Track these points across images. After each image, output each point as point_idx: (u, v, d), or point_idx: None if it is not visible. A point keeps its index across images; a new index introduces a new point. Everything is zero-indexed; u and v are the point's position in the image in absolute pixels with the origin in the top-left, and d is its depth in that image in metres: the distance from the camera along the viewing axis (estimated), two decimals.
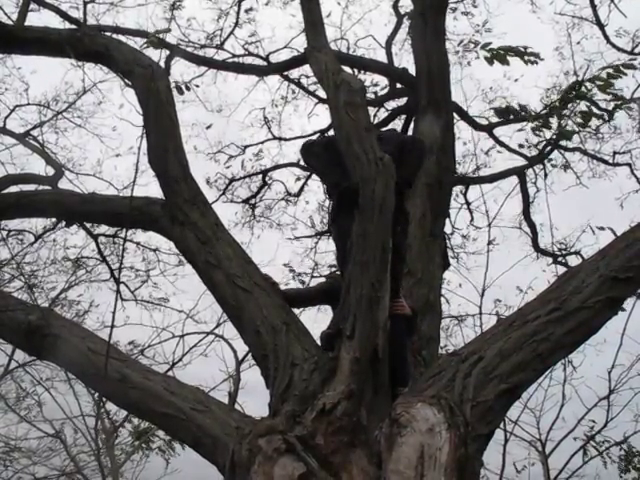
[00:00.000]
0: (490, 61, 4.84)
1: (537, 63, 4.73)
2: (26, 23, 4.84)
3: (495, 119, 7.26)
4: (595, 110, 5.92)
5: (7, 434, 10.00)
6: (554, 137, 6.23)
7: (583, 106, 5.80)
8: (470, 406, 2.67)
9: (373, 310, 2.88)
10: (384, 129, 3.94)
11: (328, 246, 8.73)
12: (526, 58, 4.71)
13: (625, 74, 4.78)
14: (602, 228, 5.55)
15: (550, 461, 7.26)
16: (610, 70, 4.81)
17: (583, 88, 5.38)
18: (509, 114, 6.49)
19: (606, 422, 6.58)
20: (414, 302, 4.28)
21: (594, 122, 6.70)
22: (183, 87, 5.34)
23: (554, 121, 5.74)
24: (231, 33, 8.37)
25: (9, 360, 8.95)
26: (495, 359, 2.88)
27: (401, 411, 2.54)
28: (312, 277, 7.92)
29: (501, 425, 5.55)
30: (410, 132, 6.55)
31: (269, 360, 3.09)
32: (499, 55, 4.49)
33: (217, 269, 3.45)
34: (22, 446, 10.02)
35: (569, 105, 5.63)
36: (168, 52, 7.22)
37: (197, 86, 7.67)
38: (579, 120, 5.55)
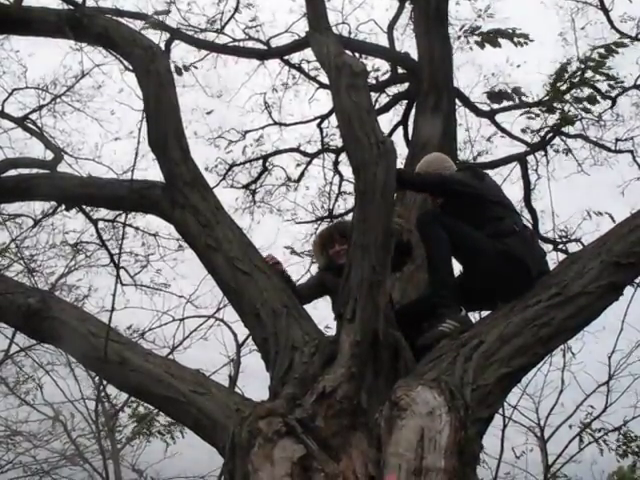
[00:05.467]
0: (481, 45, 4.82)
1: (526, 44, 4.69)
2: (24, 3, 4.77)
3: (497, 104, 7.21)
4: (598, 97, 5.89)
5: (8, 417, 10.05)
6: (557, 122, 6.19)
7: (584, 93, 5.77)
8: (470, 390, 2.67)
9: (374, 293, 2.86)
10: None
11: None
12: (515, 40, 4.68)
13: (617, 52, 4.72)
14: (600, 213, 5.54)
15: (548, 446, 7.31)
16: (602, 50, 4.76)
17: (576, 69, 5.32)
18: (502, 98, 6.44)
19: (605, 407, 6.62)
20: (414, 287, 4.30)
21: (597, 108, 6.67)
22: (182, 68, 5.31)
23: (555, 106, 5.71)
24: (231, 17, 8.29)
25: (9, 344, 8.96)
26: (495, 343, 2.88)
27: (401, 394, 2.53)
28: (312, 262, 7.90)
29: (500, 410, 5.57)
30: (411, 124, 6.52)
31: (269, 343, 3.09)
32: (489, 38, 4.46)
33: (217, 252, 3.44)
34: (23, 430, 10.07)
35: (571, 91, 5.59)
36: (168, 35, 7.16)
37: (196, 67, 7.63)
38: (583, 105, 5.51)
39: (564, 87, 5.58)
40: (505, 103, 6.93)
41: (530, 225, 7.67)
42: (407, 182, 3.53)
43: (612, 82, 5.58)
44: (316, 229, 8.70)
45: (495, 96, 6.90)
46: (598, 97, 6.08)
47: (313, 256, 4.23)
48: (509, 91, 6.62)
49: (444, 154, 4.07)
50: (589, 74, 5.73)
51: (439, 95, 5.79)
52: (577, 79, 5.52)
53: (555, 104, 5.73)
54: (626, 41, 5.16)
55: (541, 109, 5.89)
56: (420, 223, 3.35)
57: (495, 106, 7.45)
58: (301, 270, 7.82)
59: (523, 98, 6.61)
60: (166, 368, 3.14)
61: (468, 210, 3.42)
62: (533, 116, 6.29)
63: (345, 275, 3.01)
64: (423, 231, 3.29)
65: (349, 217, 7.47)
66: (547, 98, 6.08)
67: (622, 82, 5.78)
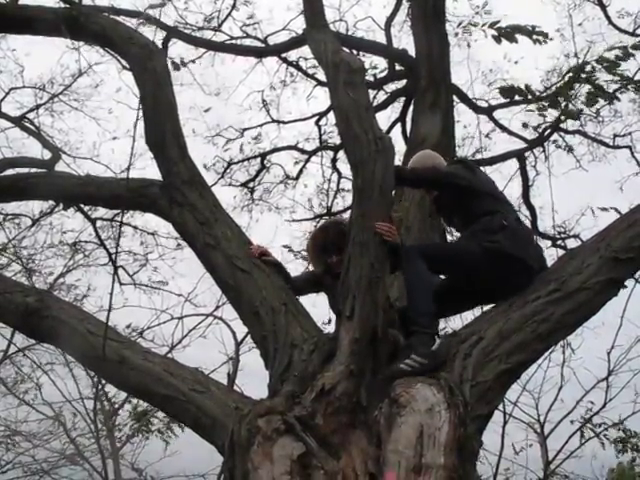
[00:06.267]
0: (498, 39, 4.80)
1: (546, 42, 4.68)
2: (20, 1, 4.77)
3: (495, 101, 7.21)
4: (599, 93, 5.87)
5: (7, 417, 10.05)
6: (560, 117, 6.17)
7: (586, 88, 5.77)
8: (469, 386, 2.67)
9: (373, 291, 2.86)
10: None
11: None
12: (534, 37, 4.67)
13: (633, 55, 4.74)
14: (605, 209, 5.53)
15: (548, 442, 7.32)
16: (618, 51, 4.77)
17: (589, 67, 5.33)
18: (514, 93, 6.41)
19: (605, 403, 6.61)
20: None
21: (597, 104, 6.65)
22: (179, 64, 5.31)
23: (561, 101, 5.69)
24: (228, 15, 8.26)
25: (8, 344, 8.95)
26: (495, 339, 2.89)
27: (400, 391, 2.54)
28: (308, 264, 7.89)
29: (500, 406, 5.58)
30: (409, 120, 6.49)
31: (268, 341, 3.08)
32: (507, 33, 4.45)
33: (216, 250, 3.44)
34: (22, 429, 10.07)
35: (575, 86, 5.58)
36: (165, 33, 7.14)
37: (193, 62, 7.65)
38: (584, 101, 5.50)
39: (567, 83, 5.56)
40: (516, 98, 6.90)
41: (529, 221, 7.68)
42: (405, 179, 3.52)
43: (624, 82, 5.55)
44: (315, 227, 8.68)
45: (507, 91, 6.89)
46: (602, 94, 6.07)
47: (308, 260, 4.17)
48: (520, 87, 6.59)
49: (433, 151, 4.06)
50: (589, 68, 5.72)
51: (437, 92, 5.77)
52: (577, 75, 5.51)
53: (559, 99, 5.71)
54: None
55: (543, 105, 5.87)
56: (404, 258, 3.19)
57: (494, 102, 7.46)
58: (300, 268, 7.80)
59: (531, 95, 6.58)
60: (165, 367, 3.13)
61: (462, 202, 3.40)
62: (540, 112, 6.26)
63: (344, 272, 3.00)
64: (406, 266, 3.16)
65: (345, 215, 7.48)
66: (550, 93, 6.05)
67: (632, 83, 5.77)
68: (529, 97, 6.28)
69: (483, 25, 6.02)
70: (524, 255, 3.17)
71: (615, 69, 4.97)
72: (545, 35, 4.98)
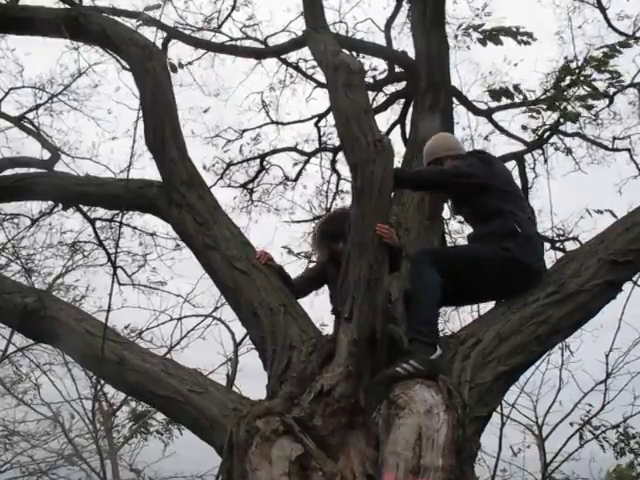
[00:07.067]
0: (483, 42, 4.83)
1: (530, 43, 4.71)
2: (21, 2, 4.77)
3: (495, 103, 7.21)
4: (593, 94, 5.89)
5: (5, 417, 10.04)
6: (559, 119, 6.18)
7: (582, 91, 5.78)
8: (468, 388, 2.68)
9: (371, 292, 2.86)
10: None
11: None
12: (519, 38, 4.70)
13: (621, 52, 4.76)
14: (600, 212, 5.55)
15: (546, 445, 7.32)
16: (606, 50, 4.81)
17: (579, 67, 5.34)
18: (503, 95, 6.42)
19: (603, 405, 6.61)
20: None
21: (594, 107, 6.67)
22: (177, 65, 5.33)
23: (556, 104, 5.70)
24: (228, 16, 8.27)
25: (7, 343, 8.94)
26: (493, 341, 2.89)
27: (399, 393, 2.54)
28: (309, 262, 7.90)
29: (498, 408, 5.58)
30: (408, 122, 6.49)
31: (267, 342, 3.09)
32: (492, 35, 4.48)
33: (215, 251, 3.44)
34: (20, 430, 10.07)
35: (570, 89, 5.59)
36: (165, 34, 7.15)
37: (190, 63, 7.68)
38: (579, 103, 5.52)
39: (565, 84, 5.58)
40: (505, 100, 6.91)
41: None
42: (405, 181, 3.50)
43: (613, 80, 5.57)
44: (314, 228, 8.66)
45: (496, 93, 6.90)
46: (598, 95, 6.08)
47: (313, 249, 4.18)
48: (511, 89, 6.60)
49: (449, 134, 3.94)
50: (587, 71, 5.74)
51: (437, 93, 5.78)
52: (575, 77, 5.52)
53: (556, 102, 5.72)
54: (630, 42, 5.18)
55: (541, 107, 5.88)
56: (415, 262, 3.20)
57: (493, 104, 7.46)
58: (298, 270, 7.80)
59: (522, 96, 6.60)
60: (164, 367, 3.14)
61: (472, 198, 3.35)
62: (535, 115, 6.27)
63: (343, 273, 3.00)
64: (415, 271, 3.15)
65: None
66: (548, 96, 6.06)
67: (622, 80, 5.79)
68: (517, 100, 6.28)
69: (468, 28, 6.02)
70: (532, 261, 3.17)
71: (604, 66, 4.99)
72: (530, 35, 5.01)
